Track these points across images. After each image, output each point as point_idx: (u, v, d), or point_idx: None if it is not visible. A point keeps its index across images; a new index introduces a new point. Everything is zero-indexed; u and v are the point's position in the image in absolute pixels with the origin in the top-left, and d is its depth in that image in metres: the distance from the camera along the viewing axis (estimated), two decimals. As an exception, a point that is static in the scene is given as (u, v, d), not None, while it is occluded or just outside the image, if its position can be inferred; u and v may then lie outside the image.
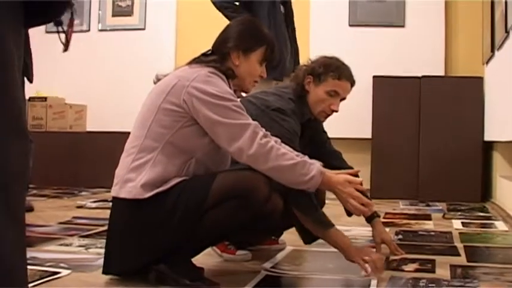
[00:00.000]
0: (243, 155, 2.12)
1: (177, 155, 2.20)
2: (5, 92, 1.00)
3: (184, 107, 2.18)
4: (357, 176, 2.32)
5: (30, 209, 4.17)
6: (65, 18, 1.21)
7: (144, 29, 6.88)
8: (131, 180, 2.17)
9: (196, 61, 2.36)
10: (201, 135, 2.20)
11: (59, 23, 1.20)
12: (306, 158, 2.21)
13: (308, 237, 2.57)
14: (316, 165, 2.18)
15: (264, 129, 2.18)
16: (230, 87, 2.29)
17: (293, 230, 2.90)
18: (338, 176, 2.26)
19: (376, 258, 2.37)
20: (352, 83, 2.75)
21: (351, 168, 2.84)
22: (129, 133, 2.32)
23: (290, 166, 2.13)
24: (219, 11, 4.15)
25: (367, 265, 2.32)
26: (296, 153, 2.21)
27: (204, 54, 2.41)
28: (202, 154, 2.22)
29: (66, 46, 1.26)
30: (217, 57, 2.36)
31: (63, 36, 1.22)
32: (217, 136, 2.17)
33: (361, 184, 2.28)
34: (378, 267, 2.33)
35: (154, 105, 2.23)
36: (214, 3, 4.15)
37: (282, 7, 4.31)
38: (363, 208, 2.25)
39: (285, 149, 2.17)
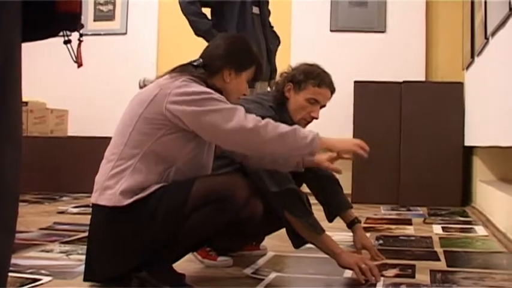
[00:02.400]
0: (242, 130, 2.10)
1: (157, 163, 2.20)
2: (3, 101, 1.00)
3: (167, 115, 2.17)
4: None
5: None
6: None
7: (125, 33, 6.86)
8: (110, 187, 2.17)
9: (180, 70, 2.34)
10: (182, 144, 2.21)
11: (67, 42, 1.23)
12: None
13: (298, 242, 2.58)
14: (308, 129, 2.23)
15: None
16: None
17: (274, 235, 2.91)
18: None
19: (372, 265, 2.39)
20: (333, 90, 2.76)
21: (331, 173, 2.86)
22: (110, 138, 2.31)
23: (290, 131, 2.15)
24: (186, 15, 4.13)
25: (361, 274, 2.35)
26: None
27: (193, 65, 2.38)
28: (182, 163, 2.22)
29: (78, 64, 1.30)
30: (207, 71, 2.35)
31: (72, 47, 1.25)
32: (209, 126, 2.13)
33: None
34: (374, 274, 2.35)
35: (135, 113, 2.22)
36: (185, 15, 4.14)
37: (255, 8, 4.27)
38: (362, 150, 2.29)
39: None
